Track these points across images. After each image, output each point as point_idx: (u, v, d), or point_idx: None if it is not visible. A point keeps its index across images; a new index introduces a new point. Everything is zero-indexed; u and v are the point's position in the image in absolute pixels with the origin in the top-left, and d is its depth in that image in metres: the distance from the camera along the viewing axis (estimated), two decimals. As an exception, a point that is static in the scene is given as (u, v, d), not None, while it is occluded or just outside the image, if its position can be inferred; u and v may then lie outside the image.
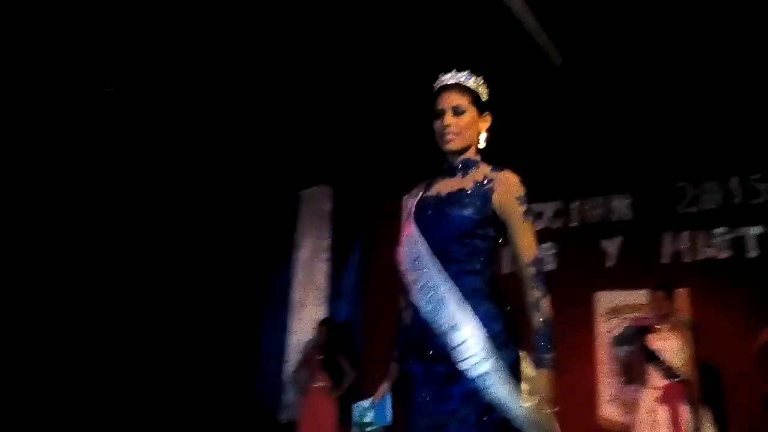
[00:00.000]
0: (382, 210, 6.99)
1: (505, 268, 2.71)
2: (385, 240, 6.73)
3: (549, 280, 2.20)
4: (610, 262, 5.95)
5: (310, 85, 6.12)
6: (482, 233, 2.22)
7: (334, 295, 7.24)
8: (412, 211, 2.37)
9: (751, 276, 5.42)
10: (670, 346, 4.95)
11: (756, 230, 5.50)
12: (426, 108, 6.42)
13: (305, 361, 6.60)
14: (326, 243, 7.39)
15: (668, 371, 4.88)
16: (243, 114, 6.44)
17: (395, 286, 6.99)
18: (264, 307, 7.46)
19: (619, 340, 5.75)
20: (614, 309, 5.85)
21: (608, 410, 5.68)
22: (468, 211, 2.22)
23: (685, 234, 5.73)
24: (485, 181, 2.27)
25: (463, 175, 2.33)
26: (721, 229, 5.61)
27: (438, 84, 2.38)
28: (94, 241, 6.15)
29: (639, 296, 5.50)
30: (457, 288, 2.17)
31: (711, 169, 5.76)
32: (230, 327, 6.96)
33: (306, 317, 7.21)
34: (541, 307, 2.14)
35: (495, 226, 2.24)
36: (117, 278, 6.24)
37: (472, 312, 2.13)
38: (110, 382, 5.97)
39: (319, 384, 6.33)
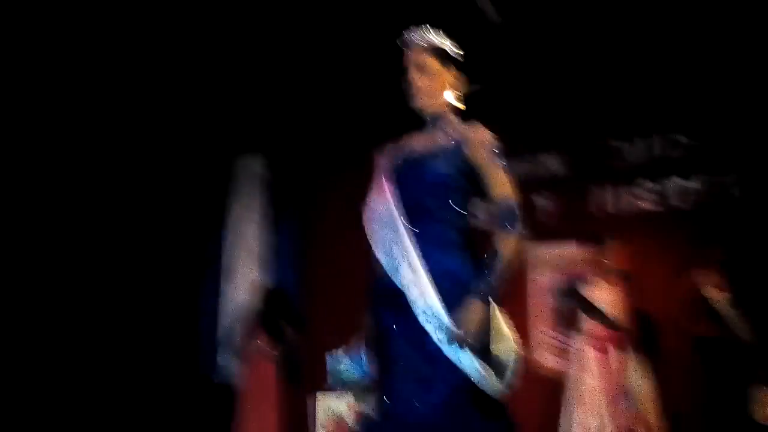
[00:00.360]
0: (321, 180, 7.02)
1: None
2: (325, 203, 6.89)
3: (522, 223, 2.22)
4: (541, 216, 6.14)
5: (245, 51, 5.98)
6: (456, 186, 2.27)
7: (269, 259, 7.19)
8: (387, 167, 2.40)
9: (675, 226, 5.72)
10: (605, 296, 5.17)
11: (678, 182, 5.79)
12: (359, 74, 6.37)
13: (243, 325, 6.53)
14: (259, 207, 7.33)
15: (604, 320, 5.11)
16: (177, 79, 6.23)
17: (335, 249, 7.03)
18: (199, 272, 7.32)
19: (554, 292, 5.97)
20: (546, 261, 6.05)
21: (542, 358, 5.90)
22: (442, 165, 2.26)
23: (612, 187, 5.98)
24: (457, 136, 2.30)
25: (436, 131, 2.36)
26: (646, 182, 5.88)
27: (402, 41, 2.39)
28: (29, 208, 5.86)
29: (570, 249, 5.73)
30: (426, 243, 2.20)
31: (634, 125, 6.01)
32: (165, 293, 6.79)
33: (240, 281, 7.16)
34: (502, 244, 2.17)
35: (468, 178, 2.28)
36: (52, 242, 6.00)
37: (428, 273, 2.15)
38: (47, 348, 5.76)
39: (258, 346, 6.30)
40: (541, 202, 6.18)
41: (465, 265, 2.22)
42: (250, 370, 6.26)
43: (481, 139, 2.29)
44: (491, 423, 2.11)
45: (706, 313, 5.11)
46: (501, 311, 2.30)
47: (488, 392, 2.11)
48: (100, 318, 6.26)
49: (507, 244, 2.18)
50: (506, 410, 2.19)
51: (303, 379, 6.50)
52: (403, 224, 2.24)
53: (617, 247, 5.27)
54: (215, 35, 5.68)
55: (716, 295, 5.06)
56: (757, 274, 5.24)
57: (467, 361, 2.08)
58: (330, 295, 6.63)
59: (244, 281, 7.06)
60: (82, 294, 6.16)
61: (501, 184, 2.25)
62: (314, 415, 4.47)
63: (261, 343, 6.29)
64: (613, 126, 6.06)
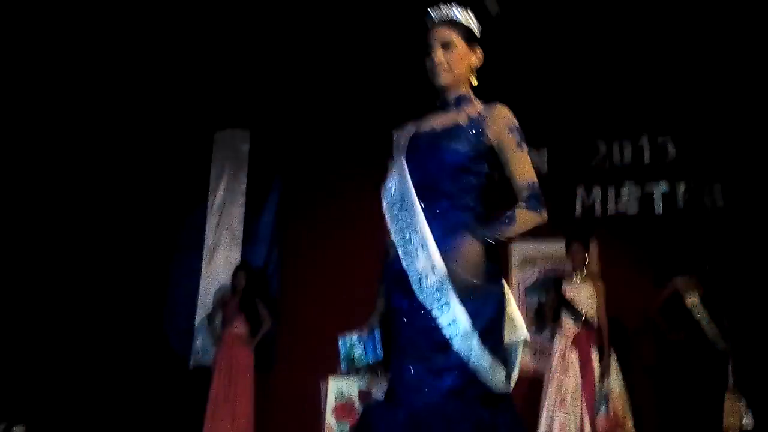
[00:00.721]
0: (302, 154, 6.96)
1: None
2: (305, 184, 6.84)
3: (545, 203, 2.20)
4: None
5: (227, 24, 5.92)
6: (476, 169, 2.21)
7: (250, 239, 7.12)
8: (405, 145, 2.33)
9: (656, 232, 5.75)
10: (583, 295, 5.21)
11: (663, 187, 5.82)
12: (344, 50, 6.27)
13: (221, 306, 6.50)
14: (242, 186, 7.20)
15: (581, 319, 5.15)
16: (155, 52, 6.15)
17: (313, 231, 6.97)
18: (174, 252, 7.22)
19: (533, 289, 5.99)
20: (528, 259, 6.07)
21: (523, 357, 5.92)
22: (462, 146, 2.20)
23: (597, 189, 6.00)
24: (479, 117, 2.24)
25: (457, 111, 2.30)
26: (630, 186, 5.90)
27: (428, 19, 2.32)
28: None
29: (552, 247, 5.74)
30: (443, 226, 2.16)
31: (622, 127, 6.02)
32: (140, 272, 6.72)
33: (219, 262, 7.05)
34: (522, 214, 2.16)
35: (489, 162, 2.22)
36: (23, 222, 5.88)
37: (441, 260, 2.11)
38: (17, 331, 5.68)
39: (236, 330, 6.26)
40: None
41: (476, 249, 2.15)
42: (227, 353, 6.21)
43: (502, 119, 2.23)
44: (499, 413, 2.09)
45: (683, 319, 5.15)
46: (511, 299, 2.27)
47: (492, 388, 2.10)
48: (71, 299, 6.20)
49: (526, 217, 2.17)
50: (512, 402, 2.19)
51: (276, 362, 6.51)
52: (421, 207, 2.19)
53: (595, 247, 5.29)
54: (199, 7, 5.61)
55: (694, 302, 5.09)
56: (735, 283, 5.30)
57: (477, 354, 2.06)
58: (306, 279, 6.62)
59: (224, 261, 6.97)
60: (53, 274, 6.08)
61: (522, 164, 2.21)
62: (325, 399, 4.50)
63: (239, 326, 6.26)
64: (602, 127, 6.07)
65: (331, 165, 6.81)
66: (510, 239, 2.19)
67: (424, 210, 2.19)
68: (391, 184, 2.31)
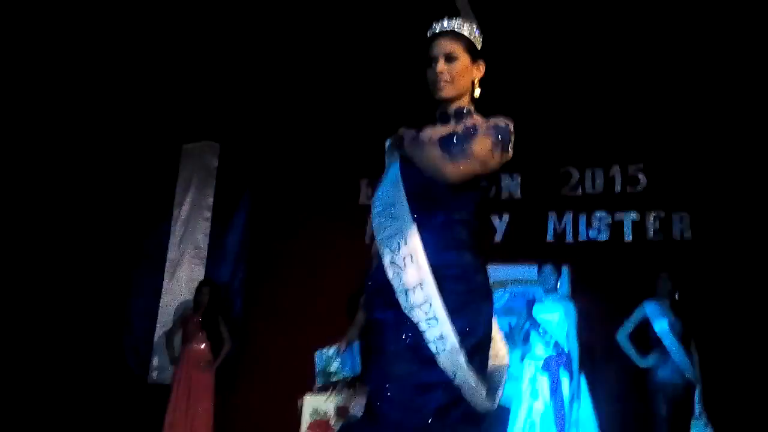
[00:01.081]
0: (270, 169, 6.86)
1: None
2: (274, 201, 6.73)
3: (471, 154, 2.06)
4: (498, 237, 6.15)
5: (197, 35, 5.87)
6: (471, 181, 2.13)
7: (215, 255, 6.94)
8: (399, 155, 2.26)
9: (626, 259, 5.80)
10: (553, 318, 5.19)
11: (633, 216, 5.90)
12: (317, 66, 6.23)
13: (181, 323, 6.30)
14: (209, 200, 7.05)
15: (551, 343, 5.12)
16: (125, 61, 6.05)
17: (280, 249, 6.85)
18: (134, 267, 7.00)
19: (503, 312, 5.95)
20: (499, 282, 6.04)
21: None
22: None
23: (569, 215, 6.04)
24: (475, 127, 2.18)
25: (456, 123, 2.25)
26: (601, 213, 5.97)
27: (431, 31, 2.28)
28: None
29: (523, 271, 5.74)
30: (437, 240, 2.09)
31: (595, 156, 6.10)
32: (100, 285, 6.49)
33: (181, 277, 6.87)
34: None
35: (487, 175, 2.16)
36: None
37: (432, 272, 2.04)
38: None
39: (197, 348, 6.07)
40: (499, 223, 6.20)
41: (470, 265, 2.11)
42: (187, 371, 6.01)
43: (492, 120, 2.15)
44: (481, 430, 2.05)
45: (652, 345, 5.17)
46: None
47: (477, 406, 2.03)
48: (29, 312, 5.97)
49: (431, 150, 2.09)
50: (496, 421, 2.14)
51: (238, 382, 6.32)
52: (412, 218, 2.12)
53: (566, 272, 5.30)
54: (169, 17, 5.60)
55: (663, 328, 5.11)
56: (703, 313, 5.36)
57: (463, 372, 1.99)
58: (269, 297, 6.48)
59: (187, 277, 6.79)
60: (11, 287, 5.85)
61: (480, 141, 2.08)
62: (300, 417, 4.36)
63: (199, 344, 6.07)
64: (574, 155, 6.14)
65: (302, 182, 6.74)
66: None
67: (417, 222, 2.12)
68: (383, 192, 2.24)
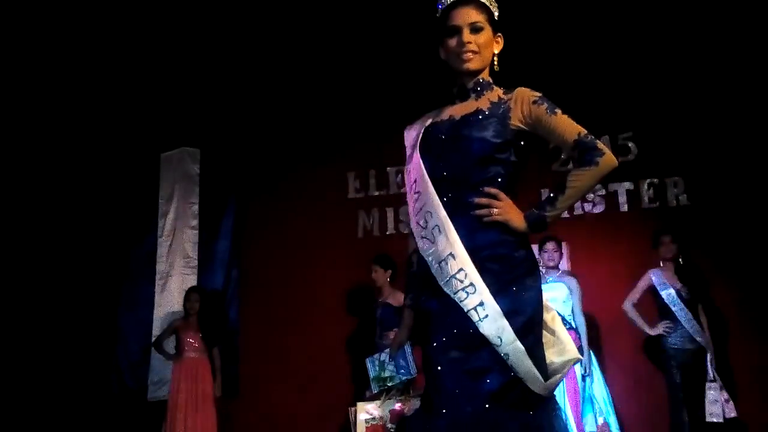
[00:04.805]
0: (256, 171, 6.72)
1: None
2: (259, 202, 6.59)
3: (601, 149, 2.05)
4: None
5: (176, 40, 5.76)
6: (503, 157, 2.06)
7: (205, 263, 6.77)
8: (418, 139, 2.18)
9: (623, 229, 5.73)
10: (557, 296, 5.11)
11: (627, 186, 5.83)
12: (298, 67, 6.10)
13: (172, 332, 6.12)
14: (194, 208, 6.87)
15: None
16: (101, 68, 5.90)
17: (271, 252, 6.71)
18: (124, 281, 6.83)
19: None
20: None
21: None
22: (487, 133, 2.06)
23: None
24: (501, 101, 2.10)
25: (477, 98, 2.16)
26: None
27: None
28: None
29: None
30: (472, 220, 2.02)
31: (585, 127, 6.01)
32: (89, 304, 6.33)
33: (173, 289, 6.70)
34: (575, 178, 2.05)
35: (516, 149, 2.08)
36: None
37: (461, 244, 1.99)
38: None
39: (194, 356, 5.92)
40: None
41: (507, 242, 2.03)
42: (185, 384, 5.86)
43: (523, 97, 2.09)
44: (543, 414, 1.97)
45: (660, 313, 5.11)
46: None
47: (532, 387, 1.95)
48: (17, 332, 5.81)
49: (580, 177, 2.05)
50: (555, 403, 2.06)
51: (239, 389, 6.20)
52: (443, 200, 2.06)
53: (565, 247, 5.23)
54: (147, 24, 5.50)
55: (671, 294, 5.04)
56: (706, 276, 5.31)
57: (512, 348, 1.91)
58: (263, 301, 6.35)
59: (179, 287, 6.60)
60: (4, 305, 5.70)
61: (562, 126, 2.06)
62: (354, 425, 4.24)
63: (195, 352, 5.93)
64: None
65: (288, 180, 6.60)
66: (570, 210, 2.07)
67: (450, 204, 2.05)
68: (410, 176, 2.19)
